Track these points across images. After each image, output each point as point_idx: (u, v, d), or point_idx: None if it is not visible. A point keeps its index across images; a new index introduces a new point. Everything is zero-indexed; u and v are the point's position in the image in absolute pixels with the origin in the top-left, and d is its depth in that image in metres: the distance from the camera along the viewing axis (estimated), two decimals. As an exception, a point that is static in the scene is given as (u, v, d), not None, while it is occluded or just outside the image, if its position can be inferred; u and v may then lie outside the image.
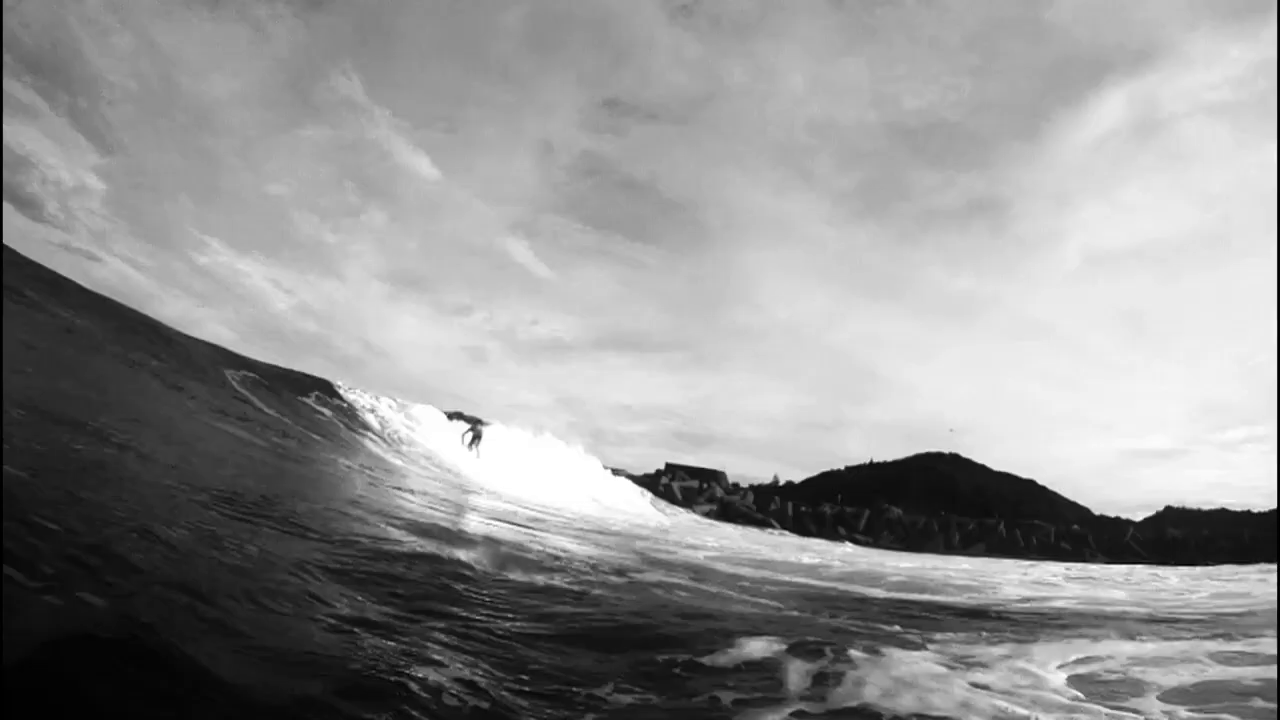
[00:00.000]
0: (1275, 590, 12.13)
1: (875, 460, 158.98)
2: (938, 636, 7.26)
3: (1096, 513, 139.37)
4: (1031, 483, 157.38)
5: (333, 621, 4.54)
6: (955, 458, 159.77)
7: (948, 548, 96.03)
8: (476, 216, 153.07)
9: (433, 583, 6.31)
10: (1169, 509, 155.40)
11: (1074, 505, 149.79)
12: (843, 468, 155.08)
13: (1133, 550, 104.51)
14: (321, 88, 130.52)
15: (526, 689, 4.14)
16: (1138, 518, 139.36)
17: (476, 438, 25.44)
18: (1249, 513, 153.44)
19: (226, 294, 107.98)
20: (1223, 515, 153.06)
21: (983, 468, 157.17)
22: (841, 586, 12.13)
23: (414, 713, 3.44)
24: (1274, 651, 6.42)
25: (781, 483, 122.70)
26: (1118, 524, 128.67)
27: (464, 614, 5.44)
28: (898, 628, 7.69)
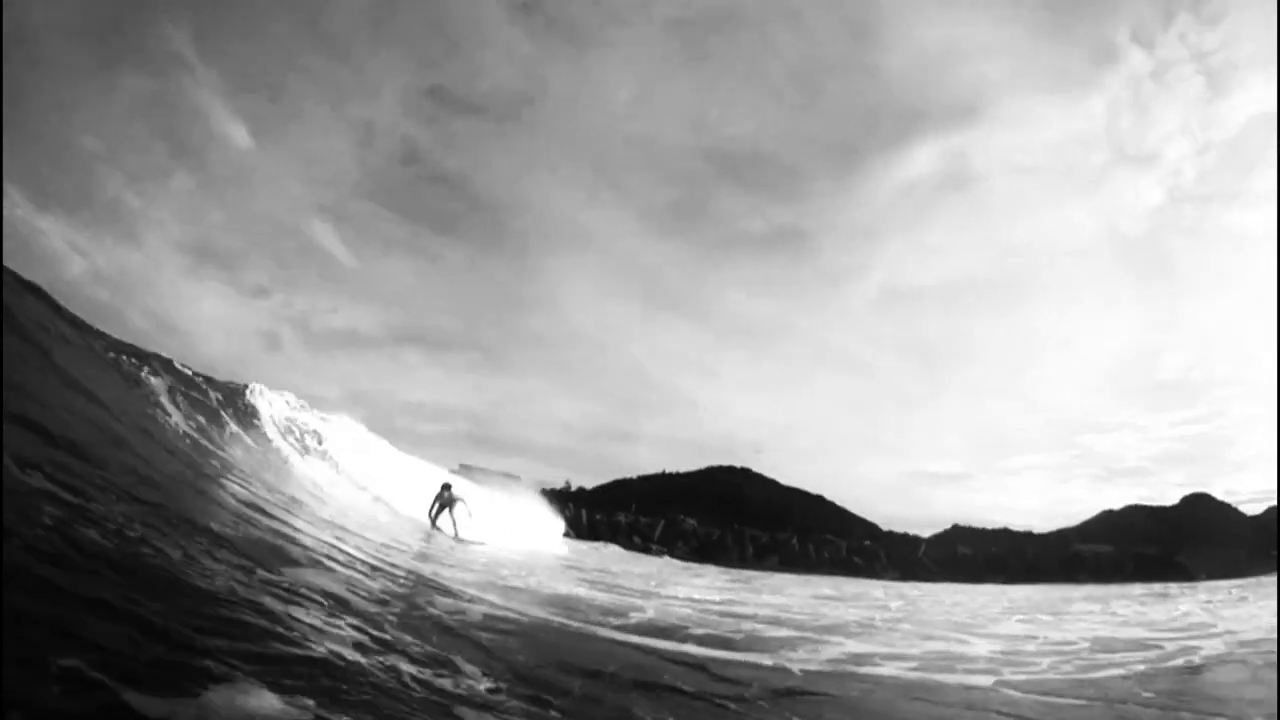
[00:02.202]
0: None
1: (668, 470, 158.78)
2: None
3: (885, 529, 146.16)
4: (821, 499, 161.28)
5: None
6: (746, 472, 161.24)
7: (741, 560, 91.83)
8: (287, 194, 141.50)
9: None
10: (956, 527, 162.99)
11: (863, 521, 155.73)
12: (635, 476, 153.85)
13: (925, 567, 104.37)
14: (149, 35, 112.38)
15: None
16: (925, 534, 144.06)
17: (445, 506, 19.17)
18: (1030, 533, 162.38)
19: (24, 252, 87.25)
20: (1006, 534, 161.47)
21: (773, 483, 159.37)
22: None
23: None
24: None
25: (574, 488, 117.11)
26: (908, 540, 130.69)
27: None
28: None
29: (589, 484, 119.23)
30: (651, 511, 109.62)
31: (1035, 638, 10.67)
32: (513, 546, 19.89)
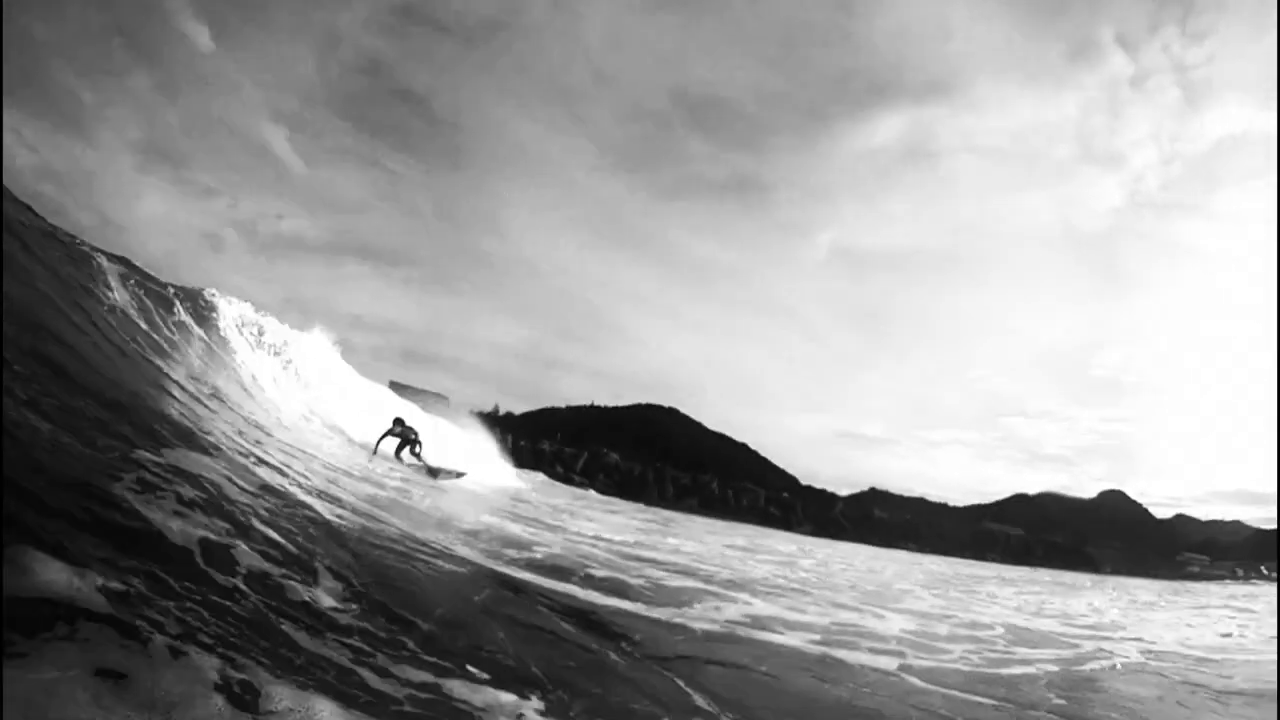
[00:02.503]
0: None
1: (596, 403, 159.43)
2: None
3: (804, 483, 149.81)
4: (745, 446, 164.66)
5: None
6: (673, 412, 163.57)
7: (661, 499, 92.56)
8: (243, 98, 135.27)
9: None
10: (873, 490, 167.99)
11: (784, 473, 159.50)
12: (564, 406, 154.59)
13: (840, 525, 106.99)
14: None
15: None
16: (843, 493, 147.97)
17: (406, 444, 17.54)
18: (946, 505, 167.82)
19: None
20: (922, 504, 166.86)
21: (699, 425, 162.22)
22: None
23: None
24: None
25: (502, 413, 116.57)
26: (825, 497, 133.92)
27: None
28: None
29: (518, 409, 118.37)
30: (576, 442, 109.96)
31: (948, 617, 10.00)
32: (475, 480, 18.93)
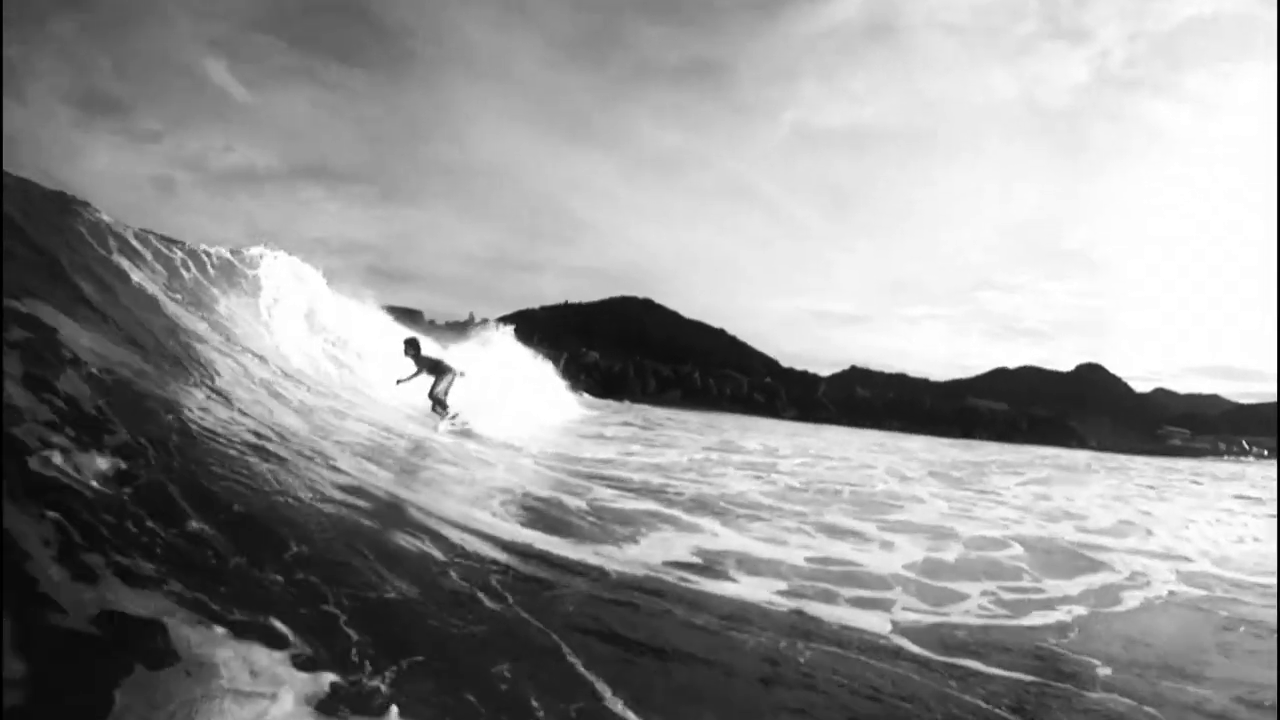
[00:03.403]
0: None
1: (571, 301, 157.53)
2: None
3: (785, 365, 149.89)
4: (722, 332, 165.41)
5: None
6: (648, 303, 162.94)
7: (644, 394, 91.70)
8: (176, 31, 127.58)
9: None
10: (854, 368, 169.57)
11: (764, 357, 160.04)
12: (539, 307, 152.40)
13: (824, 407, 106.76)
14: None
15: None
16: (825, 373, 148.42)
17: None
18: (927, 380, 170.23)
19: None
20: (903, 380, 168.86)
21: (675, 315, 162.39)
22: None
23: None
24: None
25: (478, 321, 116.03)
26: (807, 379, 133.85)
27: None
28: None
29: (492, 315, 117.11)
30: (554, 343, 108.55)
31: (954, 535, 8.31)
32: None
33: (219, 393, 7.05)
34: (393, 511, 5.53)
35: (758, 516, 8.23)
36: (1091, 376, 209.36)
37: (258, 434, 6.29)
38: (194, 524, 3.83)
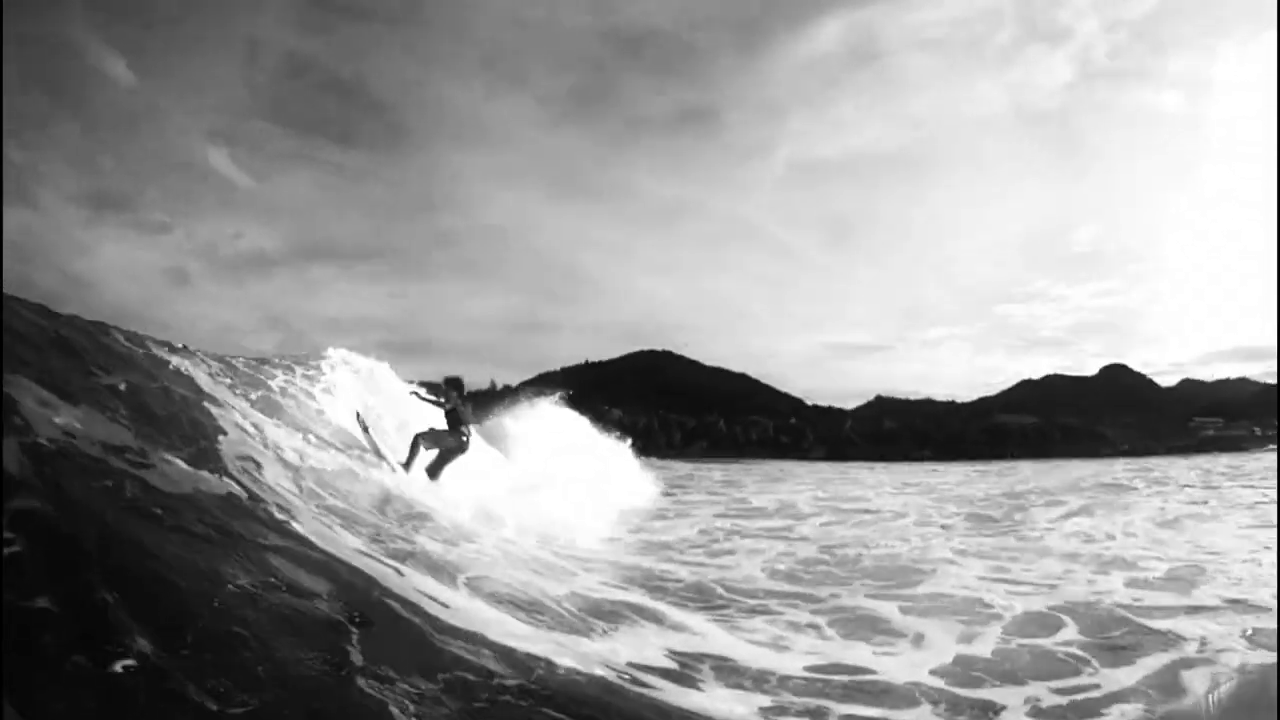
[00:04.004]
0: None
1: (591, 360, 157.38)
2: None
3: (810, 403, 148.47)
4: (744, 376, 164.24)
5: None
6: (669, 355, 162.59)
7: (670, 447, 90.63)
8: (176, 125, 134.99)
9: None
10: (880, 398, 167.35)
11: (788, 397, 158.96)
12: (559, 369, 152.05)
13: (852, 441, 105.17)
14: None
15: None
16: (850, 406, 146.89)
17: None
18: (954, 402, 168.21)
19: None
20: (930, 405, 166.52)
21: (696, 364, 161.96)
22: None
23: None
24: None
25: (499, 387, 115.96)
26: (833, 414, 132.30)
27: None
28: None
29: (513, 380, 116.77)
30: (577, 403, 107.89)
31: (993, 612, 7.27)
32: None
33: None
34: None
35: (763, 609, 7.29)
36: (1117, 377, 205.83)
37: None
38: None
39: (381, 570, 5.61)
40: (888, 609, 7.31)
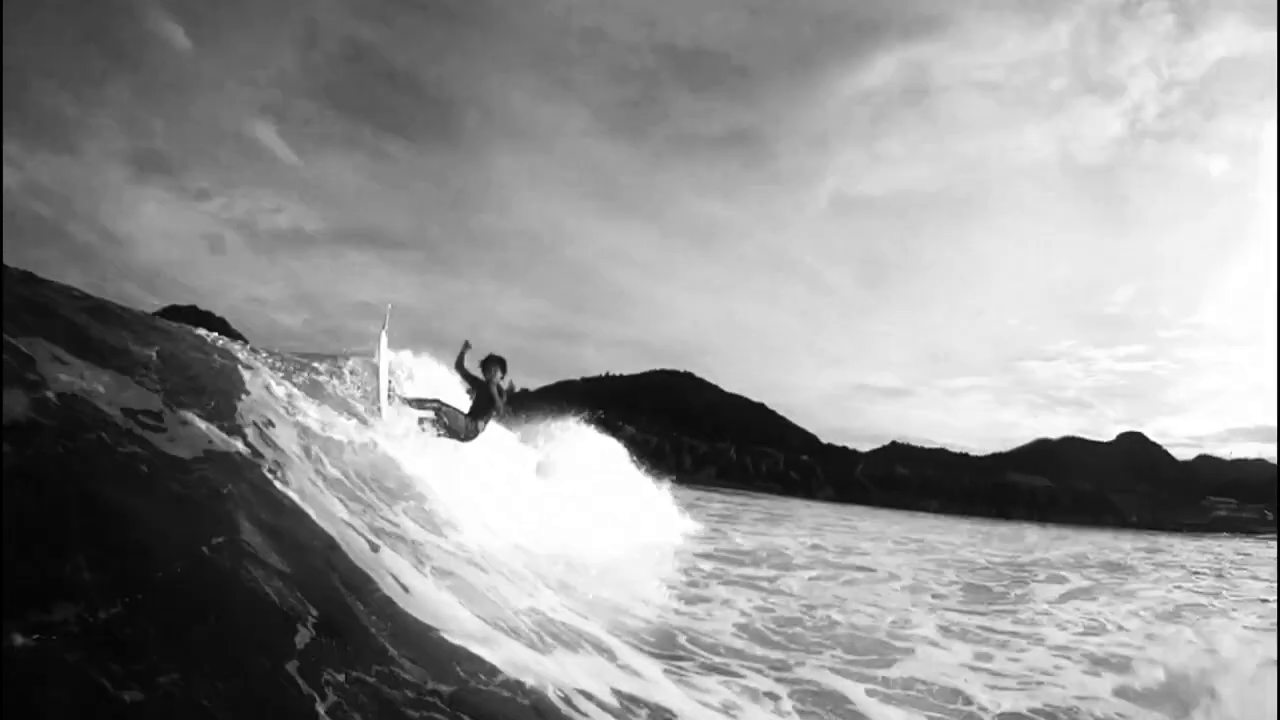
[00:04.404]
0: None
1: (612, 373, 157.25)
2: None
3: (824, 440, 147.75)
4: (762, 406, 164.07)
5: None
6: (690, 376, 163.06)
7: (679, 470, 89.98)
8: (227, 96, 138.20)
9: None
10: (895, 444, 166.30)
11: (802, 432, 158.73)
12: (579, 378, 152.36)
13: (861, 485, 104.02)
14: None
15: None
16: (864, 448, 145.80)
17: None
18: (967, 455, 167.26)
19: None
20: (943, 455, 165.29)
21: (716, 388, 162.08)
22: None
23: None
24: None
25: (518, 390, 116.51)
26: (846, 455, 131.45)
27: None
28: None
29: (533, 386, 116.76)
30: (596, 418, 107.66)
31: (969, 709, 6.73)
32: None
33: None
34: None
35: (724, 667, 6.83)
36: (1133, 446, 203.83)
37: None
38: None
39: (358, 544, 5.62)
40: (855, 689, 6.79)
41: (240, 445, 5.78)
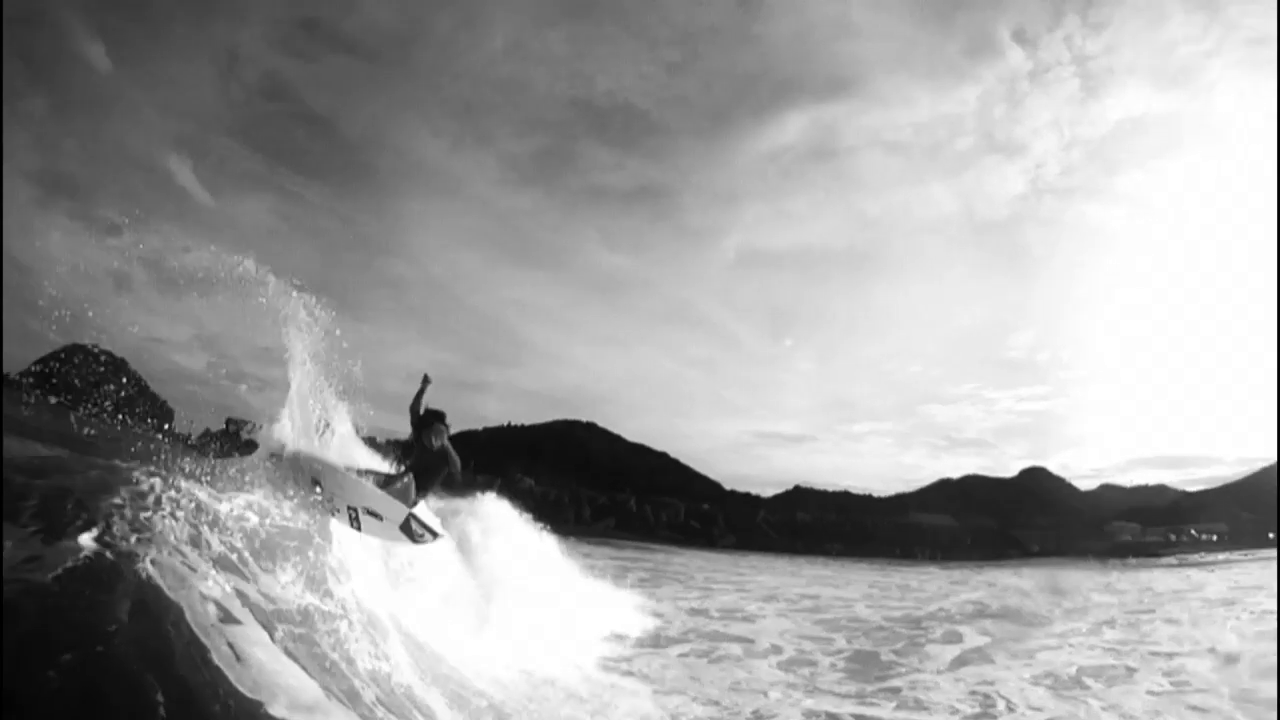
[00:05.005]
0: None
1: (513, 423, 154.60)
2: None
3: (728, 487, 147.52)
4: (665, 455, 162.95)
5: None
6: (591, 426, 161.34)
7: (578, 522, 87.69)
8: (144, 124, 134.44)
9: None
10: (798, 488, 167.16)
11: (706, 480, 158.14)
12: (480, 428, 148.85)
13: (763, 531, 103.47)
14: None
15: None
16: (768, 493, 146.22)
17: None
18: (870, 496, 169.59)
19: None
20: (847, 498, 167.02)
21: (618, 438, 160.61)
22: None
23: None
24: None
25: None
26: (749, 501, 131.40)
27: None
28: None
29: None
30: (494, 467, 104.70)
31: None
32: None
33: None
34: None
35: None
36: (1036, 479, 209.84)
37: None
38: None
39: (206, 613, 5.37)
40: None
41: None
